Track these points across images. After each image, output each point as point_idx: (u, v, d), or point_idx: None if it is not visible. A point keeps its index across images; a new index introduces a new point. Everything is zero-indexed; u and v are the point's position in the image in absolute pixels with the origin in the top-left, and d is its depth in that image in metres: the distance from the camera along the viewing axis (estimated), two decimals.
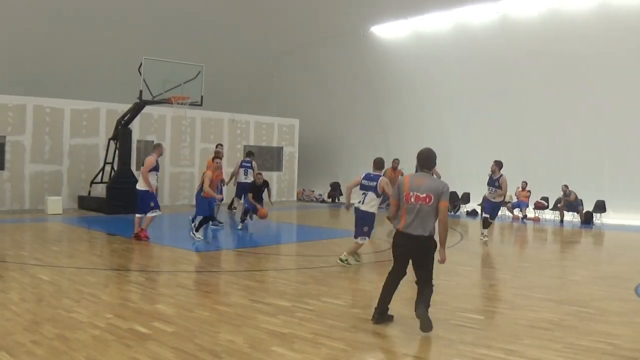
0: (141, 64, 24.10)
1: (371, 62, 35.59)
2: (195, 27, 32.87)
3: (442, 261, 8.65)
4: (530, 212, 28.30)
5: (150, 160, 17.10)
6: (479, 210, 24.96)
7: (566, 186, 26.36)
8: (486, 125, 30.53)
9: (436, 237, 8.55)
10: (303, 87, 39.39)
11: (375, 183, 13.76)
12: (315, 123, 38.13)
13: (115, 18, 30.02)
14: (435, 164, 8.86)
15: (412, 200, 8.43)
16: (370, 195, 13.75)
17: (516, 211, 27.85)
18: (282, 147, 35.56)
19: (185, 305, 9.58)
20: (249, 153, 22.99)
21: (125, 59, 27.66)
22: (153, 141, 29.24)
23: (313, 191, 37.99)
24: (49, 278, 11.53)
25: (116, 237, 18.18)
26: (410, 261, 8.78)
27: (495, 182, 18.77)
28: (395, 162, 22.63)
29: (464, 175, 29.86)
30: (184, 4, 31.56)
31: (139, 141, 28.99)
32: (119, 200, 24.35)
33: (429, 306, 8.52)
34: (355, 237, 13.97)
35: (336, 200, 36.79)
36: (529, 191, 28.03)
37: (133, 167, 26.52)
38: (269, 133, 35.04)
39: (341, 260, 13.79)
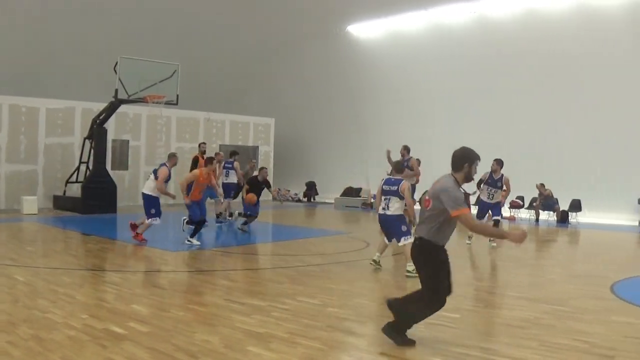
0: (117, 62, 23.99)
1: (348, 61, 35.72)
2: (172, 25, 32.77)
3: (516, 239, 7.54)
4: (506, 211, 28.39)
5: (163, 171, 16.79)
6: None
7: (542, 185, 26.48)
8: (462, 124, 30.65)
9: (435, 241, 7.71)
10: (279, 87, 39.40)
11: (396, 187, 13.44)
12: (291, 122, 38.13)
13: (91, 16, 29.82)
14: (459, 166, 7.87)
15: (424, 204, 7.87)
16: (394, 199, 13.44)
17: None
18: (258, 147, 35.50)
19: (161, 305, 9.55)
20: (233, 153, 22.82)
21: (101, 58, 27.49)
22: (128, 140, 29.20)
23: (289, 190, 37.91)
24: (24, 278, 11.46)
25: (91, 237, 18.07)
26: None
27: (497, 183, 17.95)
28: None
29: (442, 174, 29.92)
30: (161, 2, 31.43)
31: (114, 140, 28.80)
32: (94, 200, 24.29)
33: (398, 323, 7.91)
34: (398, 240, 13.48)
35: (312, 200, 36.82)
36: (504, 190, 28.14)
37: (108, 167, 26.41)
38: (244, 132, 35.00)
39: (408, 272, 13.56)
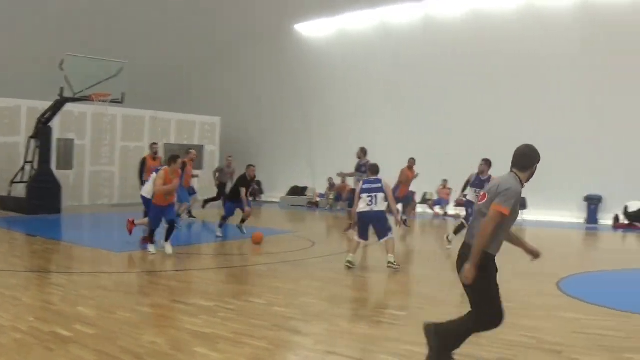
0: (63, 60, 23.76)
1: (296, 60, 35.77)
2: (118, 23, 32.49)
3: (466, 279, 6.65)
4: (451, 210, 28.68)
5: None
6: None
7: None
8: (410, 123, 30.91)
9: (490, 251, 6.81)
10: (226, 85, 39.18)
11: (379, 184, 13.96)
12: (238, 121, 37.94)
13: (36, 13, 29.51)
14: (527, 165, 7.09)
15: (478, 200, 7.05)
16: (380, 195, 13.85)
17: (437, 208, 28.23)
18: (203, 146, 35.37)
19: (107, 307, 9.50)
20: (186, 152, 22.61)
21: (47, 56, 27.19)
22: (73, 140, 28.93)
23: None
24: None
25: (37, 238, 17.83)
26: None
27: (484, 184, 16.57)
28: (411, 161, 22.27)
29: (392, 174, 30.02)
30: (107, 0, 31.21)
31: (59, 139, 28.39)
32: (38, 200, 23.96)
33: (438, 345, 6.99)
34: (385, 236, 13.89)
35: (257, 199, 36.81)
36: (450, 189, 28.43)
37: (53, 166, 26.09)
38: (190, 131, 34.86)
39: (390, 262, 13.66)
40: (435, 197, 29.27)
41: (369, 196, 13.83)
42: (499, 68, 27.92)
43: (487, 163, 17.33)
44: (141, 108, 32.06)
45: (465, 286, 6.77)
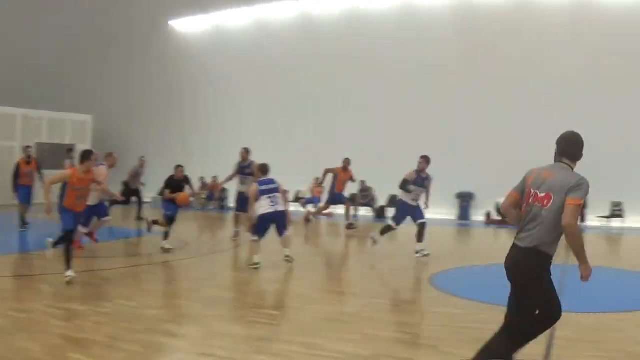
0: None
1: (170, 57, 35.40)
2: None
3: (584, 278, 6.13)
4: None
5: (102, 172, 15.43)
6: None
7: (363, 181, 27.09)
8: (287, 122, 31.04)
9: (550, 253, 6.29)
10: (99, 82, 38.35)
11: (275, 184, 14.21)
12: (110, 119, 37.23)
13: None
14: (578, 155, 6.35)
15: (530, 200, 6.28)
16: (278, 195, 14.06)
17: (310, 207, 28.39)
18: (74, 145, 34.61)
19: None
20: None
21: None
22: None
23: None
24: None
25: None
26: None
27: (425, 182, 16.43)
28: (346, 161, 21.79)
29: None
30: None
31: None
32: None
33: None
34: (285, 232, 14.13)
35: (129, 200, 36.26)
36: (324, 187, 28.59)
37: None
38: (61, 130, 34.06)
39: (287, 256, 13.99)
40: (308, 196, 29.42)
41: (269, 197, 13.93)
42: (373, 66, 28.32)
43: (427, 160, 16.35)
44: (12, 106, 31.15)
45: (526, 295, 6.27)
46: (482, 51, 26.90)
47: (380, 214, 27.49)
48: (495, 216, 25.76)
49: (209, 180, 31.05)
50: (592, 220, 24.83)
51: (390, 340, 8.10)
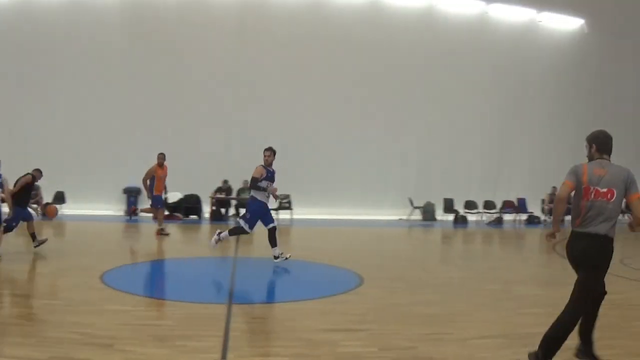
0: None
1: None
2: None
3: None
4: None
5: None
6: None
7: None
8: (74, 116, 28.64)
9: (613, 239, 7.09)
10: None
11: None
12: None
13: None
14: (611, 149, 7.19)
15: (592, 196, 6.93)
16: None
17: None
18: None
19: None
20: None
21: None
22: None
23: None
24: None
25: None
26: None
27: (274, 177, 15.23)
28: (161, 157, 19.93)
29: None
30: None
31: None
32: None
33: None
34: None
35: None
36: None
37: None
38: None
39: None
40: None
41: None
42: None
43: (274, 153, 14.99)
44: None
45: (598, 274, 7.07)
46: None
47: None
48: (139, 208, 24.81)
49: None
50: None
51: (63, 341, 7.84)
